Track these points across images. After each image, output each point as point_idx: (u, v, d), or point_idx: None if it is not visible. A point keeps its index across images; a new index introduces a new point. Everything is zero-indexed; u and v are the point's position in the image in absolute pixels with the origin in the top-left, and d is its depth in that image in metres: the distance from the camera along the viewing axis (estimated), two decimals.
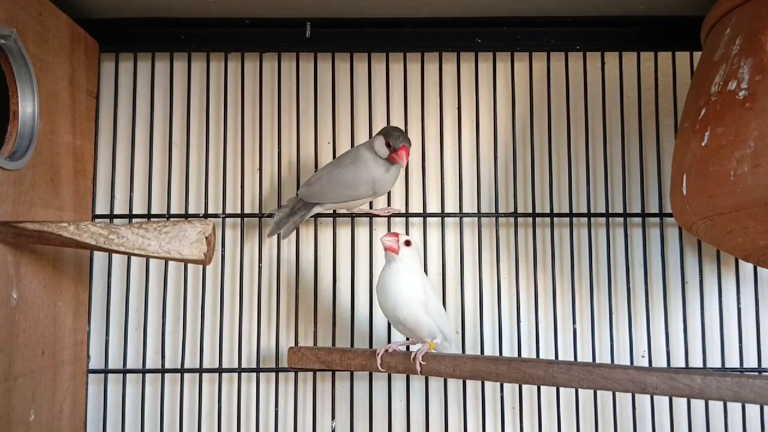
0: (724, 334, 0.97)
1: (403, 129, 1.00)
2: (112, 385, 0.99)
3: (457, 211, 1.01)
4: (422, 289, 0.83)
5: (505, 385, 0.98)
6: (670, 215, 0.97)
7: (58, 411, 0.88)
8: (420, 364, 0.83)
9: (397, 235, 0.84)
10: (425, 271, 0.97)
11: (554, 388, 0.97)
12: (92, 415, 0.98)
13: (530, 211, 1.00)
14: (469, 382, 0.98)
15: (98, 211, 1.00)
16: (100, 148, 1.01)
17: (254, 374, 0.98)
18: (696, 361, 0.98)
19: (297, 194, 0.95)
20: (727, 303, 0.99)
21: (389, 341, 0.97)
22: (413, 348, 0.88)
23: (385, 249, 0.84)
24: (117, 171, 1.01)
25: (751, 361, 0.97)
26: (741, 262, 0.99)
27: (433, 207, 1.01)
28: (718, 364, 0.97)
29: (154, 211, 1.00)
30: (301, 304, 0.99)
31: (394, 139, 0.87)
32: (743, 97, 0.72)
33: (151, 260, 0.99)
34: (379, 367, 0.85)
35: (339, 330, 0.99)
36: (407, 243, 0.84)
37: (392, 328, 0.98)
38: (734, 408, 0.97)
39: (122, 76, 1.03)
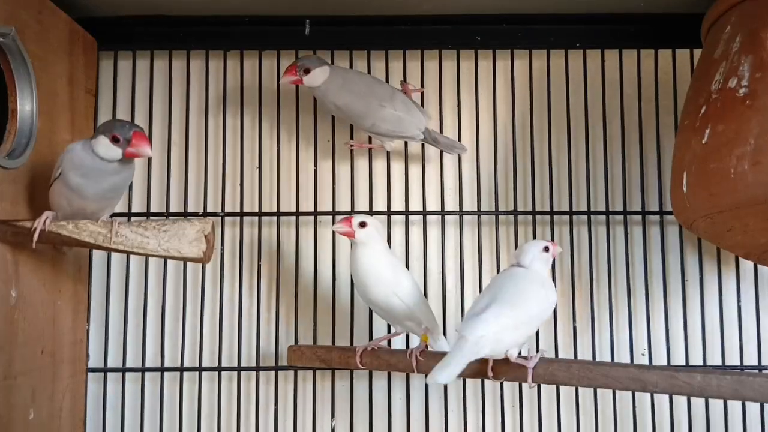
0: (724, 331, 0.97)
1: None
2: (112, 383, 0.99)
3: (457, 209, 1.00)
4: (389, 269, 0.83)
5: (505, 383, 0.97)
6: (670, 213, 0.97)
7: (57, 410, 0.87)
8: (416, 358, 0.82)
9: (349, 219, 0.83)
10: (425, 269, 0.98)
11: (554, 386, 0.97)
12: (91, 413, 0.98)
13: (530, 209, 0.99)
14: (469, 381, 0.98)
15: None
16: None
17: (254, 373, 0.98)
18: (696, 359, 0.98)
19: None
20: (727, 301, 0.98)
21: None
22: (413, 343, 0.87)
23: (340, 235, 0.83)
24: None
25: (751, 359, 0.97)
26: (741, 260, 0.98)
27: (433, 205, 1.01)
28: (719, 362, 0.97)
29: (153, 210, 1.00)
30: (300, 302, 0.99)
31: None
32: (743, 95, 0.72)
33: (151, 259, 0.99)
34: (359, 365, 0.86)
35: (338, 328, 0.99)
36: (362, 224, 0.82)
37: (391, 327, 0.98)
38: (734, 406, 0.97)
39: (121, 74, 1.02)
